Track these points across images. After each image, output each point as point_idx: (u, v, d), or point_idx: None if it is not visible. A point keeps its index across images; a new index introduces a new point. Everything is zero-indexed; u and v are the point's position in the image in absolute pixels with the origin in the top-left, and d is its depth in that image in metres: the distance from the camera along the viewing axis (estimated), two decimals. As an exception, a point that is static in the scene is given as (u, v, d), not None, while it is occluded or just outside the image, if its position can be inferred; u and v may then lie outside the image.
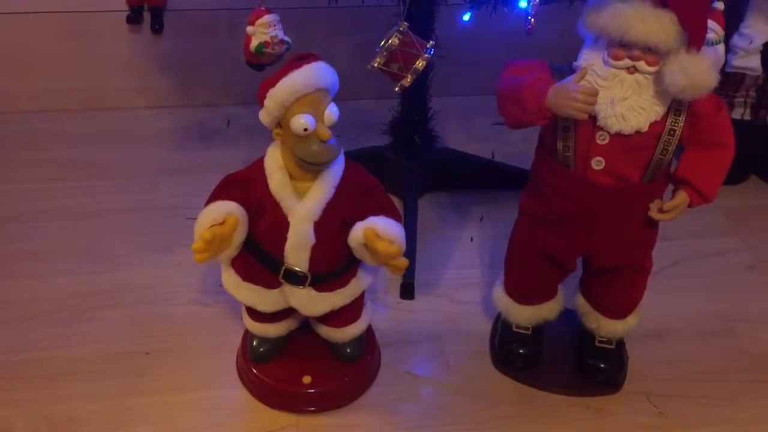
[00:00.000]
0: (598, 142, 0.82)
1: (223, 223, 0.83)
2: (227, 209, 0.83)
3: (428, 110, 1.27)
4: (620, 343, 1.02)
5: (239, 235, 0.85)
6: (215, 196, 0.85)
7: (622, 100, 0.80)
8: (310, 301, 0.89)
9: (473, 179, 1.34)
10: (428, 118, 1.28)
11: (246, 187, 0.86)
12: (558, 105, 0.78)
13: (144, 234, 1.23)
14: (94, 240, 1.21)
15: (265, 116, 0.82)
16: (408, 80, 0.86)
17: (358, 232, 0.84)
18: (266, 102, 0.81)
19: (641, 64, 0.79)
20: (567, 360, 1.03)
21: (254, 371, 0.97)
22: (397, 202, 1.27)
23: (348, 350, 0.97)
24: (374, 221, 0.84)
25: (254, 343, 0.98)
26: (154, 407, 0.96)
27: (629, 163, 0.83)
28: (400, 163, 1.28)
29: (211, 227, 0.82)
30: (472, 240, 1.25)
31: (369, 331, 1.01)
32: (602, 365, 1.00)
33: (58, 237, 1.21)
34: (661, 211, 0.86)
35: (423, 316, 1.11)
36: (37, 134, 1.45)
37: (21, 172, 1.35)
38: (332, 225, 0.85)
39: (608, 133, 0.81)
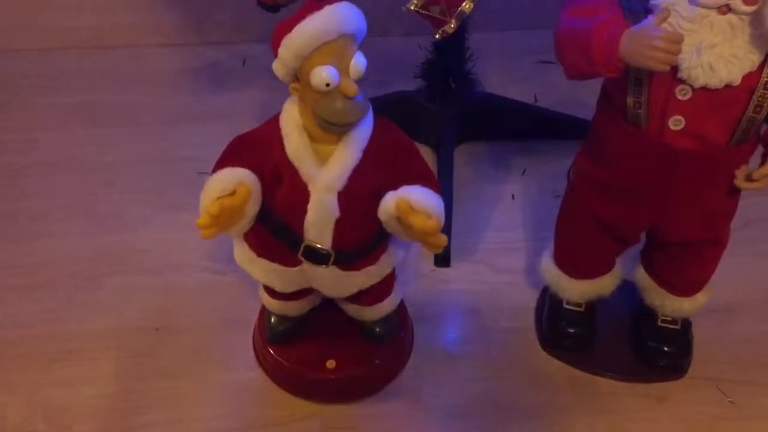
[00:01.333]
0: (679, 97, 0.69)
1: (233, 193, 0.71)
2: (238, 177, 0.71)
3: (465, 50, 1.13)
4: (686, 323, 0.90)
5: (252, 207, 0.73)
6: (224, 162, 0.73)
7: (710, 48, 0.65)
8: (335, 282, 0.78)
9: (515, 128, 1.20)
10: (465, 60, 1.13)
11: (259, 150, 0.73)
12: (634, 54, 0.64)
13: (152, 190, 1.11)
14: (99, 196, 1.10)
15: (279, 68, 0.69)
16: (452, 26, 0.72)
17: (389, 203, 0.72)
18: (281, 51, 0.67)
19: (736, 3, 0.64)
20: (624, 341, 0.91)
21: (272, 353, 0.86)
22: (429, 154, 1.16)
23: (378, 329, 0.86)
24: (409, 191, 0.71)
25: (272, 321, 0.87)
26: (163, 392, 0.86)
27: (715, 123, 0.69)
28: (434, 110, 1.15)
29: (219, 198, 0.70)
30: (513, 197, 1.12)
31: (401, 306, 0.89)
32: (665, 348, 0.88)
33: (59, 193, 1.10)
34: (749, 179, 0.72)
35: (460, 286, 0.99)
36: (35, 76, 1.32)
37: (18, 119, 1.23)
38: (360, 195, 0.73)
39: (691, 87, 0.67)
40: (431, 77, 1.14)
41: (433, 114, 1.15)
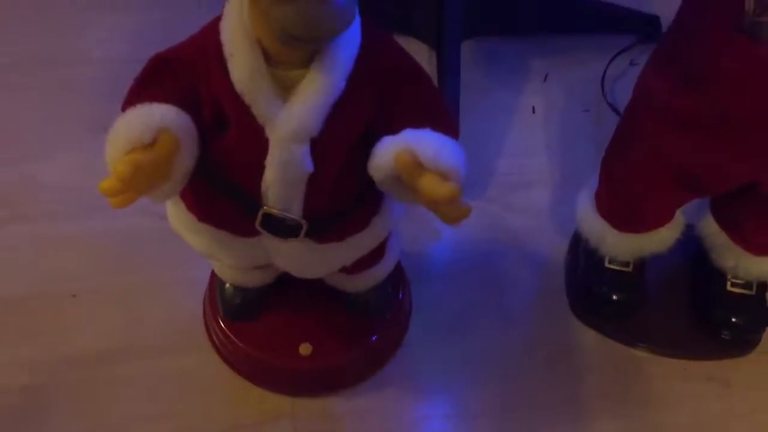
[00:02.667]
0: (827, 0, 0.45)
1: (152, 143, 0.47)
2: (159, 120, 0.47)
3: None
4: (763, 288, 0.70)
5: (183, 163, 0.49)
6: (137, 95, 0.49)
7: None
8: (307, 259, 0.56)
9: (535, 18, 0.95)
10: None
11: (192, 76, 0.49)
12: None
13: (66, 102, 0.86)
14: (-1, 107, 0.86)
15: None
16: None
17: (386, 156, 0.48)
18: None
19: None
20: (680, 309, 0.72)
21: (228, 333, 0.66)
22: (427, 52, 0.92)
23: (368, 301, 0.66)
24: (414, 138, 0.48)
25: (227, 292, 0.66)
26: (79, 382, 0.66)
27: None
28: (434, -6, 0.89)
29: (131, 153, 0.47)
30: (534, 110, 0.89)
31: (396, 268, 0.68)
32: (735, 319, 0.69)
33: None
34: None
35: (468, 233, 0.78)
36: None
37: None
38: (342, 142, 0.50)
39: None
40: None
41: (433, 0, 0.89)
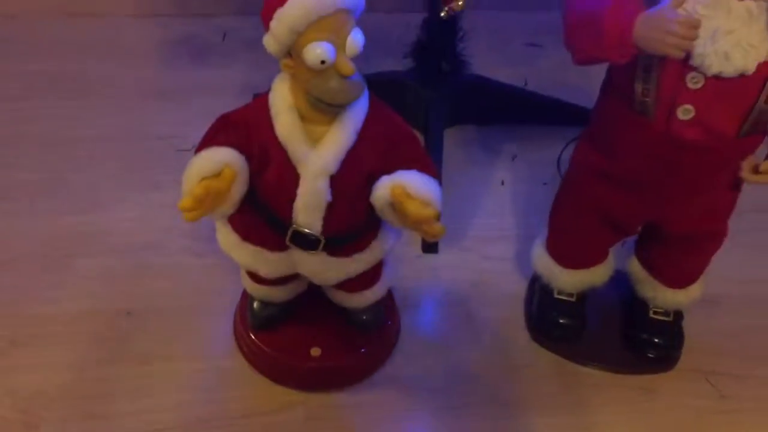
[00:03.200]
0: (689, 86, 0.66)
1: (218, 175, 0.67)
2: (223, 158, 0.67)
3: (458, 30, 1.09)
4: (678, 315, 0.88)
5: (238, 190, 0.69)
6: (208, 141, 0.69)
7: (726, 34, 0.62)
8: (323, 268, 0.74)
9: (505, 112, 1.17)
10: (457, 40, 1.10)
11: (246, 130, 0.69)
12: (649, 39, 0.62)
13: (128, 167, 1.06)
14: (68, 174, 1.05)
15: (271, 43, 0.65)
16: (461, 3, 0.68)
17: (384, 189, 0.68)
18: (273, 25, 0.63)
19: (755, -12, 0.62)
20: (614, 332, 0.89)
21: (255, 340, 0.83)
22: (418, 137, 1.12)
23: (364, 317, 0.83)
24: (404, 176, 0.68)
25: (255, 306, 0.84)
26: (136, 379, 0.83)
27: (725, 113, 0.67)
28: (423, 91, 1.11)
29: (203, 181, 0.66)
30: (503, 183, 1.09)
31: (388, 293, 0.86)
32: (656, 340, 0.86)
33: (29, 167, 1.05)
34: (755, 171, 0.70)
35: (448, 274, 0.96)
36: (9, 42, 1.26)
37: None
38: (353, 180, 0.70)
39: (704, 75, 0.65)
40: (421, 57, 1.10)
41: (422, 95, 1.11)
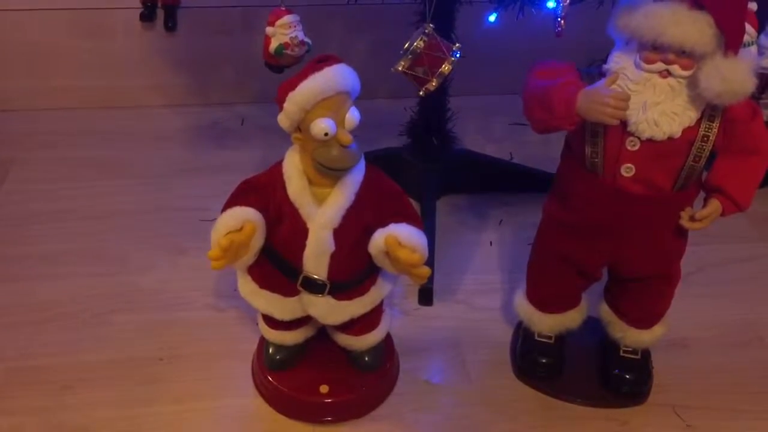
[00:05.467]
0: (629, 148, 0.80)
1: (240, 229, 0.80)
2: (245, 216, 0.81)
3: (446, 111, 1.24)
4: (646, 353, 0.99)
5: (257, 242, 0.82)
6: (232, 202, 0.83)
7: (654, 105, 0.77)
8: (329, 310, 0.87)
9: (492, 182, 1.31)
10: (446, 119, 1.25)
11: (264, 192, 0.83)
12: (588, 110, 0.76)
13: (157, 235, 1.21)
14: (106, 242, 1.19)
15: (284, 120, 0.79)
16: (434, 84, 0.83)
17: (379, 239, 0.82)
18: (286, 105, 0.78)
19: (675, 68, 0.76)
20: (590, 370, 1.00)
21: (270, 379, 0.94)
22: (414, 204, 1.25)
23: (366, 359, 0.95)
24: (396, 228, 0.81)
25: (270, 350, 0.95)
26: (167, 416, 0.94)
27: (660, 170, 0.81)
28: (418, 165, 1.26)
29: (227, 234, 0.80)
30: (491, 244, 1.22)
31: (387, 339, 0.98)
32: (627, 376, 0.97)
33: (69, 238, 1.19)
34: (692, 219, 0.83)
35: (442, 323, 1.08)
36: (49, 133, 1.43)
37: (32, 172, 1.33)
38: (352, 232, 0.83)
39: (639, 139, 0.79)
40: (415, 135, 1.25)
41: (417, 168, 1.25)
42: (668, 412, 0.97)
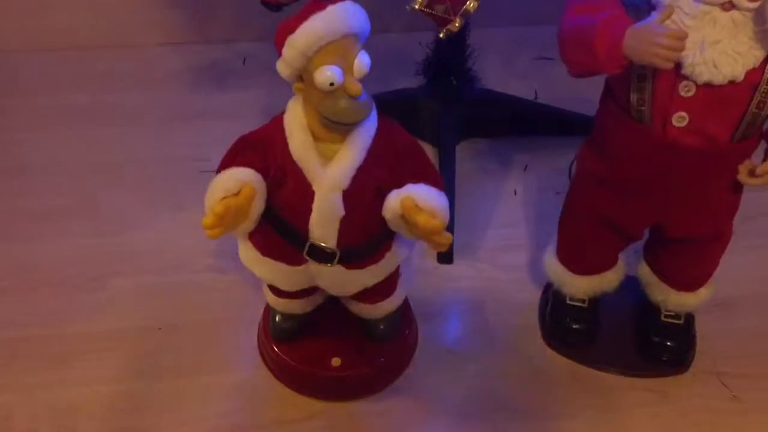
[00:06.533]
0: (682, 94, 0.69)
1: (237, 193, 0.71)
2: (242, 178, 0.71)
3: (466, 47, 1.13)
4: (689, 318, 0.90)
5: (257, 207, 0.73)
6: (228, 162, 0.73)
7: (713, 44, 0.66)
8: (340, 280, 0.78)
9: (516, 124, 1.20)
10: (466, 57, 1.14)
11: (263, 150, 0.73)
12: (638, 51, 0.65)
13: (154, 189, 1.11)
14: (100, 197, 1.10)
15: (283, 68, 0.69)
16: (457, 25, 0.72)
17: (394, 202, 0.72)
18: (285, 51, 0.68)
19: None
20: (627, 336, 0.91)
21: (277, 351, 0.87)
22: (431, 150, 1.16)
23: (382, 327, 0.87)
24: (413, 190, 0.71)
25: (277, 319, 0.87)
26: (167, 391, 0.87)
27: (718, 119, 0.70)
28: (435, 107, 1.15)
29: (224, 199, 0.70)
30: (515, 193, 1.12)
31: (405, 304, 0.89)
32: (669, 343, 0.88)
33: (60, 193, 1.10)
34: (752, 174, 0.73)
35: (464, 284, 0.99)
36: (36, 76, 1.32)
37: (16, 120, 1.22)
38: (364, 194, 0.73)
39: (695, 83, 0.68)
40: (432, 74, 1.14)
41: (434, 111, 1.15)
42: (712, 380, 0.89)
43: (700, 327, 0.91)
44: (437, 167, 1.09)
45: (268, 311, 0.89)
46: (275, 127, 0.73)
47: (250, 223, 0.74)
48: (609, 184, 0.78)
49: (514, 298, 0.98)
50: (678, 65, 0.67)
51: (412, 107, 1.15)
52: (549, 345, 0.92)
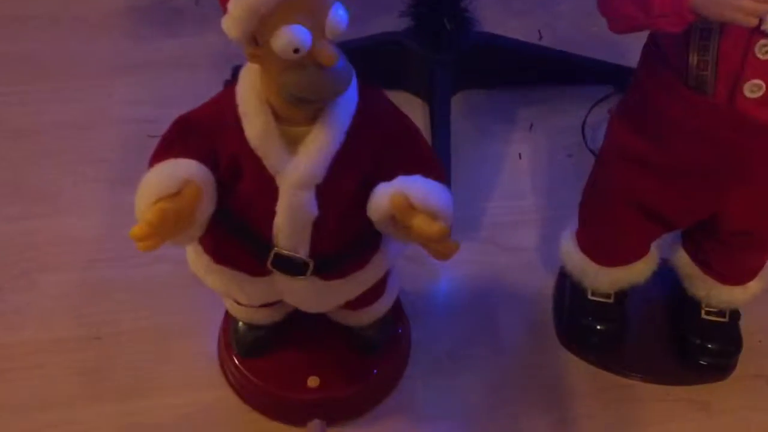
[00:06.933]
0: (759, 56, 0.52)
1: (177, 194, 0.54)
2: (183, 174, 0.54)
3: (461, -18, 0.94)
4: (735, 315, 0.75)
5: (204, 210, 0.56)
6: (164, 152, 0.56)
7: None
8: (314, 295, 0.62)
9: (519, 73, 1.02)
10: (460, -6, 0.95)
11: (210, 135, 0.56)
12: (713, 5, 0.48)
13: (94, 159, 0.93)
14: (29, 169, 0.92)
15: (231, 28, 0.51)
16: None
17: (382, 199, 0.55)
18: (230, 5, 0.50)
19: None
20: (660, 337, 0.77)
21: (241, 369, 0.71)
22: (421, 107, 1.00)
23: (369, 335, 0.72)
24: (407, 183, 0.55)
25: (240, 330, 0.72)
26: (108, 419, 0.71)
27: (804, 89, 0.54)
28: (425, 54, 0.97)
29: (158, 202, 0.53)
30: (520, 157, 0.95)
31: (395, 302, 0.74)
32: (710, 345, 0.74)
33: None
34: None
35: (463, 271, 0.84)
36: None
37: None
38: (343, 190, 0.57)
39: (777, 43, 0.51)
40: (421, 16, 0.95)
41: (423, 59, 0.97)
42: (761, 387, 0.75)
43: (745, 322, 0.77)
44: (428, 126, 0.93)
45: (229, 320, 0.73)
46: (225, 104, 0.55)
47: (196, 230, 0.57)
48: (653, 167, 0.62)
49: (523, 287, 0.83)
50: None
51: (397, 55, 0.97)
52: (566, 347, 0.78)
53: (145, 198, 0.54)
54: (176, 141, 0.56)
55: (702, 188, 0.61)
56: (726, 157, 0.58)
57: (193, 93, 0.60)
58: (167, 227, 0.53)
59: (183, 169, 0.54)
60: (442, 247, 0.55)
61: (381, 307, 0.70)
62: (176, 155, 0.55)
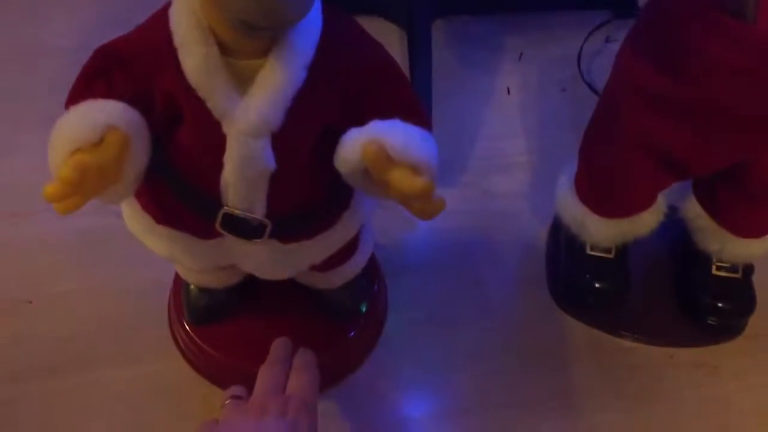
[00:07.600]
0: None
1: (99, 143, 0.44)
2: (105, 118, 0.43)
3: None
4: (748, 270, 0.67)
5: (135, 162, 0.46)
6: (80, 93, 0.45)
7: None
8: (273, 261, 0.53)
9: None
10: None
11: (141, 68, 0.45)
12: None
13: (12, 99, 0.82)
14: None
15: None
16: None
17: (352, 148, 0.45)
18: None
19: None
20: (665, 294, 0.69)
21: (194, 337, 0.63)
22: (398, 34, 0.89)
23: (340, 298, 0.63)
24: (382, 129, 0.45)
25: (191, 295, 0.63)
26: (41, 395, 0.63)
27: None
28: (402, -27, 0.86)
29: (76, 154, 0.43)
30: (509, 92, 0.86)
31: (370, 260, 0.65)
32: (721, 303, 0.66)
33: None
34: None
35: (445, 221, 0.74)
36: None
37: None
38: (304, 137, 0.47)
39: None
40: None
41: (400, -21, 0.86)
42: (773, 348, 0.68)
43: (757, 278, 0.69)
44: (406, 56, 0.83)
45: (180, 282, 0.64)
46: (157, 30, 0.44)
47: (126, 187, 0.47)
48: (674, 108, 0.52)
49: (510, 239, 0.74)
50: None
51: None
52: (562, 307, 0.70)
53: (60, 150, 0.43)
54: (97, 77, 0.45)
55: (733, 134, 0.52)
56: (762, 94, 0.48)
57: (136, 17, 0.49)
58: (89, 184, 0.43)
59: (104, 112, 0.43)
60: (425, 205, 0.45)
61: (354, 267, 0.61)
62: (97, 95, 0.44)
